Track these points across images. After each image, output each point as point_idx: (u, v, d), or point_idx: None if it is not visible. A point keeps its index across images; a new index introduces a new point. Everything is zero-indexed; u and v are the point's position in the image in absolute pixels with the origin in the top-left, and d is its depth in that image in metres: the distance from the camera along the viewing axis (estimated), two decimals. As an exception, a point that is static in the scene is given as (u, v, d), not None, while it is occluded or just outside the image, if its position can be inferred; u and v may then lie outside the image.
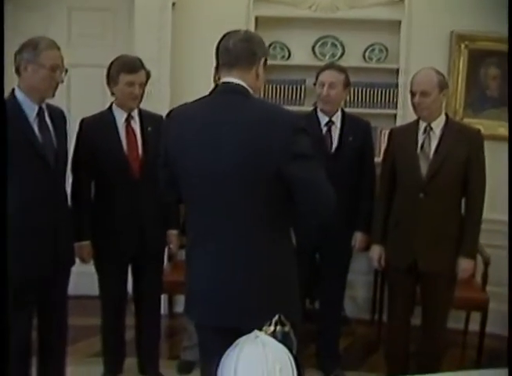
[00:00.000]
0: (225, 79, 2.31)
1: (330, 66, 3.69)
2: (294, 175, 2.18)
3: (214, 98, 2.33)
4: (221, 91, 2.31)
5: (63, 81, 2.97)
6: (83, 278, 3.79)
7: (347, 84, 3.62)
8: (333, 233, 3.54)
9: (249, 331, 1.50)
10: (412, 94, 3.27)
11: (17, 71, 2.89)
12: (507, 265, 3.45)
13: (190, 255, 2.40)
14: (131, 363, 3.63)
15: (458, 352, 4.25)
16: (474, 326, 4.25)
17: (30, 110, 2.89)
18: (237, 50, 2.27)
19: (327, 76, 3.56)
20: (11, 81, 2.98)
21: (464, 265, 3.28)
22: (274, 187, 2.20)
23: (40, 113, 2.93)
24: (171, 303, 4.69)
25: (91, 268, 3.44)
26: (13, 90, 2.91)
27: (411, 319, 3.51)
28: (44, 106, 2.96)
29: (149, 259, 3.45)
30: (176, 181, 2.37)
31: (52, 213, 2.96)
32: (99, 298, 3.47)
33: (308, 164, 2.20)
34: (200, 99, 2.39)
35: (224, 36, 2.33)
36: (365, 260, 4.72)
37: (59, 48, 2.93)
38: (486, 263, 4.10)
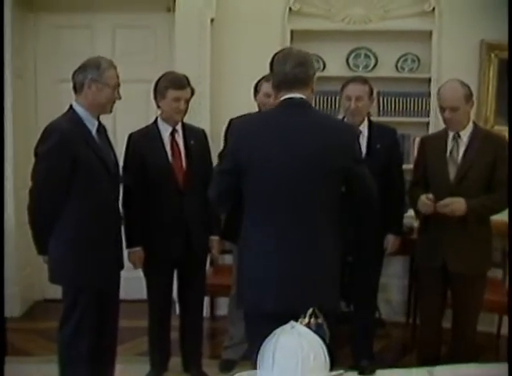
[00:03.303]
0: (287, 95, 2.62)
1: (354, 79, 3.74)
2: (356, 172, 2.64)
3: (283, 109, 2.63)
4: (288, 104, 2.62)
5: (120, 98, 3.17)
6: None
7: (371, 93, 3.72)
8: (365, 236, 3.67)
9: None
10: (442, 108, 3.40)
11: (76, 88, 3.08)
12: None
13: (257, 250, 2.60)
14: (175, 362, 3.79)
15: (491, 356, 4.25)
16: (507, 329, 4.26)
17: (91, 125, 3.09)
18: (295, 73, 2.58)
19: (353, 90, 3.64)
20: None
21: None
22: (335, 184, 2.62)
23: (99, 128, 3.15)
24: (212, 306, 4.83)
25: (135, 273, 3.62)
26: (71, 106, 3.10)
27: (445, 323, 3.59)
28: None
29: (194, 264, 3.60)
30: (237, 187, 2.61)
31: (114, 218, 3.18)
32: (146, 301, 3.63)
33: (362, 164, 2.72)
34: (263, 112, 2.65)
35: (276, 56, 2.65)
36: (400, 263, 4.85)
37: (115, 68, 3.15)
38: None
